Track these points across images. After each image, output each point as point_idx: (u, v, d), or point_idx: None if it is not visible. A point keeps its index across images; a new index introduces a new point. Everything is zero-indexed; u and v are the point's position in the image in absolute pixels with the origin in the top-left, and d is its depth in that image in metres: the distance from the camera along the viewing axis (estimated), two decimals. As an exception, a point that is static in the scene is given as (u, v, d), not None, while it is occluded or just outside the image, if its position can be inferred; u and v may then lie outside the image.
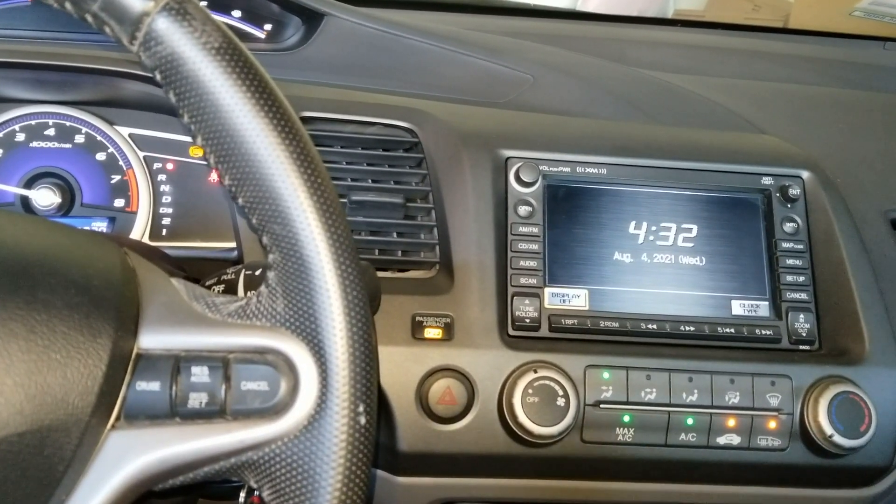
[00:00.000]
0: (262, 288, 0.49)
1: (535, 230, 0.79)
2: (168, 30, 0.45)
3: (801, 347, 0.80)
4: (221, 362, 0.47)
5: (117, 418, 0.46)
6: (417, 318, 0.74)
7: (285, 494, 0.47)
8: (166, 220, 0.89)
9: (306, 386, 0.47)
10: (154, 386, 0.47)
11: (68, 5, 0.46)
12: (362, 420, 0.47)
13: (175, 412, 0.47)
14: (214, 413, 0.47)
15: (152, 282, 0.51)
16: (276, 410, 0.47)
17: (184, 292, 0.51)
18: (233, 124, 0.46)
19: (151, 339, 0.48)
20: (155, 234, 0.88)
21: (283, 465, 0.47)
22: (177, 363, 0.47)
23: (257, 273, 0.59)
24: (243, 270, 0.60)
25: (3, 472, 0.43)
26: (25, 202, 0.86)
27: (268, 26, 1.03)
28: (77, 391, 0.44)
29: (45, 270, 0.47)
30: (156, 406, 0.47)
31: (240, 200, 0.47)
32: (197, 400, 0.47)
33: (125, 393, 0.46)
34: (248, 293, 0.58)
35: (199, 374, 0.47)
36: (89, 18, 0.47)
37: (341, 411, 0.46)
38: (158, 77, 0.47)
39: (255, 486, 0.48)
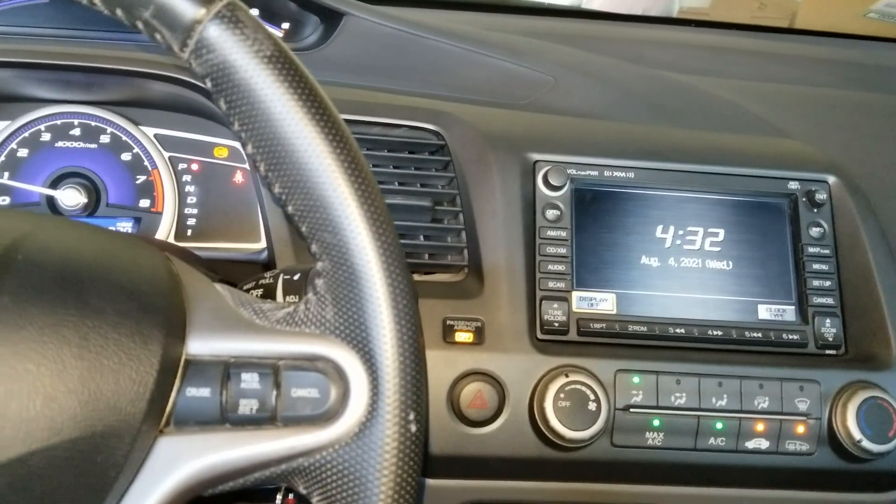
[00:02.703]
0: (311, 295, 0.49)
1: (563, 234, 0.79)
2: (220, 38, 0.45)
3: (827, 352, 0.80)
4: (271, 369, 0.47)
5: (166, 424, 0.46)
6: (448, 322, 0.74)
7: (335, 501, 0.47)
8: (191, 221, 0.89)
9: (357, 393, 0.47)
10: (204, 392, 0.47)
11: (119, 12, 0.46)
12: (413, 428, 0.47)
13: (225, 418, 0.47)
14: (265, 420, 0.47)
15: (197, 287, 0.51)
16: (326, 417, 0.47)
17: (229, 298, 0.51)
18: (284, 133, 0.46)
19: (200, 346, 0.48)
20: (180, 234, 0.88)
21: (333, 472, 0.47)
22: (226, 370, 0.47)
23: (296, 278, 0.59)
24: (282, 275, 0.60)
25: (57, 478, 0.43)
26: (51, 202, 0.86)
27: (285, 25, 1.03)
28: (129, 397, 0.44)
29: (93, 276, 0.47)
30: (206, 412, 0.47)
31: (289, 209, 0.47)
32: (247, 406, 0.47)
33: (175, 399, 0.46)
34: (287, 297, 0.59)
35: (250, 380, 0.47)
36: (140, 25, 0.47)
37: (392, 419, 0.46)
38: (209, 85, 0.47)
39: (304, 492, 0.48)
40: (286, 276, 0.60)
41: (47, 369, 0.43)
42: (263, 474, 0.47)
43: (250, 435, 0.47)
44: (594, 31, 1.18)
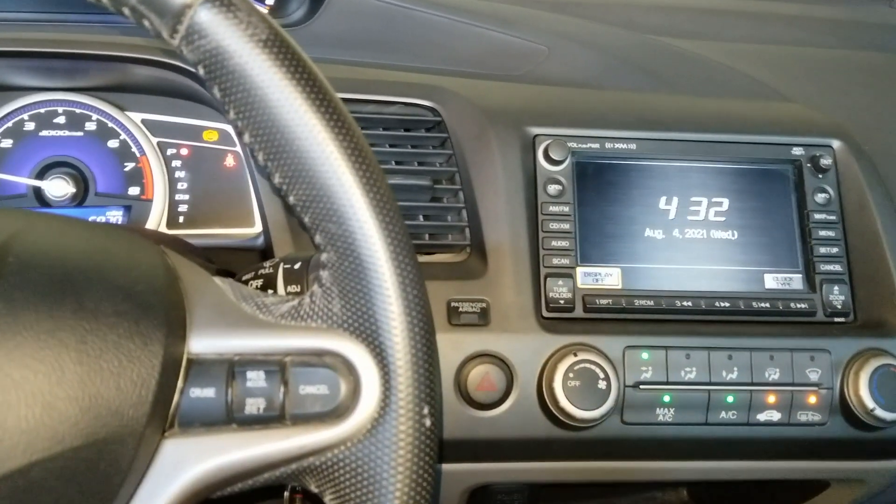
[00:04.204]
0: (316, 287, 0.47)
1: (565, 209, 0.77)
2: (212, 22, 0.43)
3: (836, 320, 0.79)
4: (278, 366, 0.46)
5: (171, 426, 0.45)
6: (453, 304, 0.72)
7: (349, 500, 0.45)
8: (183, 207, 0.86)
9: (368, 388, 0.45)
10: (209, 392, 0.45)
11: (104, -1, 0.44)
12: (427, 422, 0.45)
13: (232, 418, 0.45)
14: (273, 419, 0.45)
15: (196, 283, 0.49)
16: (337, 414, 0.45)
17: (230, 293, 0.49)
18: (283, 120, 0.44)
19: (202, 344, 0.46)
20: (172, 221, 0.86)
21: (346, 470, 0.45)
22: (231, 368, 0.45)
23: (296, 267, 0.57)
24: (282, 264, 0.58)
25: (60, 489, 0.41)
26: (38, 193, 0.84)
27: (270, 1, 1.00)
28: (131, 401, 0.43)
29: (89, 276, 0.45)
30: (211, 413, 0.45)
31: (291, 198, 0.46)
32: (254, 405, 0.45)
33: (178, 400, 0.45)
34: (288, 287, 0.57)
35: (256, 378, 0.45)
36: (127, 11, 0.44)
37: (406, 413, 0.45)
38: (201, 72, 0.44)
39: (316, 490, 0.47)
40: (286, 266, 0.58)
41: (45, 376, 0.41)
42: (273, 474, 0.46)
43: (258, 435, 0.45)
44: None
